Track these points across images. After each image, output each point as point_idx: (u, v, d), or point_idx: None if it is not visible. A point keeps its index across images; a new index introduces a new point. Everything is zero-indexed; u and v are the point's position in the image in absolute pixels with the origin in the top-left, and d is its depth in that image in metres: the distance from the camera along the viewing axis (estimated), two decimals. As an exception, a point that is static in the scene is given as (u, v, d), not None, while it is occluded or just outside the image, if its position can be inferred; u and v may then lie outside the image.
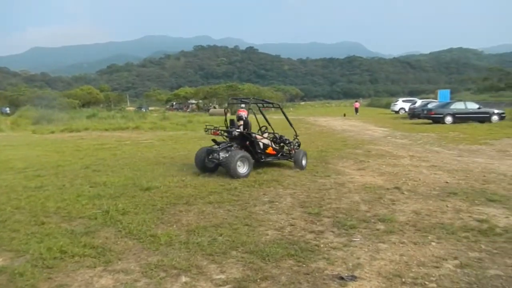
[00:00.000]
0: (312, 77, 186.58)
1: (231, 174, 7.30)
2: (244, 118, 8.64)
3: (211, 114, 43.52)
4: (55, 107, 47.49)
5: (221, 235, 4.36)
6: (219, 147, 8.01)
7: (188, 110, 62.32)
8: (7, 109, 56.41)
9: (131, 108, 64.42)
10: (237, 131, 8.21)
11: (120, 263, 3.67)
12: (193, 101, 72.61)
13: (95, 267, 3.57)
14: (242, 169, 7.49)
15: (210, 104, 66.76)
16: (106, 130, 22.92)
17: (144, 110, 56.38)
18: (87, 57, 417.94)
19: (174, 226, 4.71)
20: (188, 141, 15.17)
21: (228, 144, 8.14)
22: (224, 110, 10.88)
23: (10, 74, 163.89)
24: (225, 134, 8.44)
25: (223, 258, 3.73)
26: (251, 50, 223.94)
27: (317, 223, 4.79)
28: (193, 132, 20.59)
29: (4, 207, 5.53)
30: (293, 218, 4.99)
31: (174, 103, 74.93)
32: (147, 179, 7.23)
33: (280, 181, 7.17)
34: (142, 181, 7.04)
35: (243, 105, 10.12)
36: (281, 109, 10.27)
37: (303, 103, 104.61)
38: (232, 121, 8.84)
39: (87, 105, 64.62)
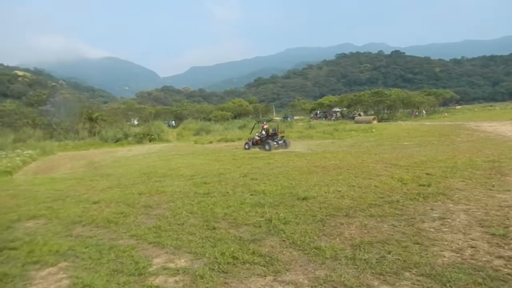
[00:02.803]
0: (468, 78, 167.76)
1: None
2: (264, 128, 19.26)
3: (357, 122, 42.47)
4: (211, 119, 52.31)
5: (389, 252, 4.04)
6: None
7: (333, 118, 62.04)
8: (173, 122, 64.27)
9: (277, 118, 67.01)
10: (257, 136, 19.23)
11: (289, 274, 3.67)
12: (337, 109, 72.01)
13: (265, 276, 3.64)
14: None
15: (355, 111, 65.32)
16: (257, 139, 24.09)
17: (289, 120, 58.10)
18: (236, 72, 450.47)
19: (337, 239, 4.55)
20: (336, 150, 14.98)
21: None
22: (254, 125, 22.65)
23: (174, 91, 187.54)
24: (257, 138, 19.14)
25: (396, 280, 3.43)
26: (396, 54, 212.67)
27: (505, 247, 4.09)
28: (340, 141, 20.31)
29: (180, 211, 6.16)
30: (472, 239, 4.36)
31: (318, 111, 75.45)
32: (303, 189, 7.25)
33: (448, 194, 6.43)
34: (298, 191, 7.08)
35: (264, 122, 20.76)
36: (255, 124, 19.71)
37: (459, 107, 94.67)
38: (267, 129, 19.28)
39: (238, 116, 69.37)
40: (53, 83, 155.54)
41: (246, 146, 19.14)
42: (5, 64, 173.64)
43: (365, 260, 3.87)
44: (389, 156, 11.48)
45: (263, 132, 18.83)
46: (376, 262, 3.80)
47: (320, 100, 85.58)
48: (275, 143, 17.97)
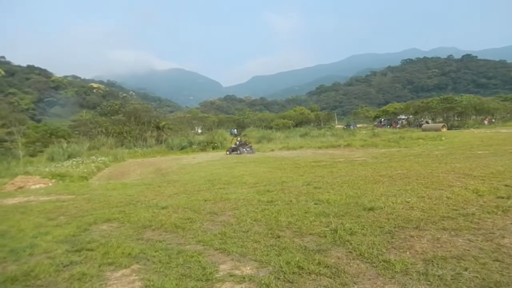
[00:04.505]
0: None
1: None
2: (238, 140, 28.73)
3: (424, 130, 40.57)
4: (273, 127, 52.60)
5: (466, 269, 3.78)
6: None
7: (398, 126, 59.81)
8: (235, 130, 65.51)
9: (340, 126, 65.96)
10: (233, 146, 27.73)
11: (356, 288, 3.56)
12: (403, 117, 69.38)
13: (332, 288, 3.56)
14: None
15: (422, 119, 62.54)
16: (319, 147, 23.94)
17: (352, 128, 56.92)
18: (297, 80, 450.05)
19: (408, 252, 4.34)
20: (403, 159, 14.37)
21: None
22: (236, 137, 30.65)
23: (236, 100, 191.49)
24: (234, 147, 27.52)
25: (475, 299, 3.20)
26: (468, 58, 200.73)
27: None
28: (406, 149, 19.51)
29: (244, 219, 6.22)
30: (562, 258, 3.98)
31: (383, 119, 73.16)
32: (369, 199, 7.02)
33: (531, 208, 5.92)
34: (364, 200, 6.87)
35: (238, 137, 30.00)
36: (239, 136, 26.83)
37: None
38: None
39: (299, 124, 69.18)
40: (124, 94, 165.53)
41: (228, 152, 27.47)
42: (82, 77, 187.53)
43: (439, 276, 3.65)
44: (462, 166, 10.80)
45: (237, 143, 28.13)
46: (452, 279, 3.58)
47: (384, 107, 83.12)
48: (244, 150, 26.74)
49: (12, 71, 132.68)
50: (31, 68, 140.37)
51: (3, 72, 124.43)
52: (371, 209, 6.26)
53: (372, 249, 4.45)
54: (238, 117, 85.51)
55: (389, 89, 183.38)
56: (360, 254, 4.33)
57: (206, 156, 26.90)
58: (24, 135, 35.67)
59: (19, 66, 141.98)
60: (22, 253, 5.18)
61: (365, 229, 5.23)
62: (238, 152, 26.35)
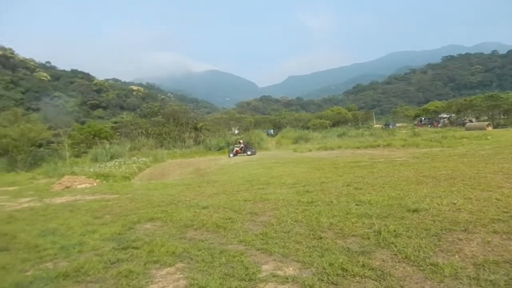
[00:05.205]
0: None
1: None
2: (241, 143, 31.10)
3: (468, 129, 38.98)
4: (309, 127, 52.26)
5: (520, 274, 3.61)
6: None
7: (439, 125, 57.81)
8: (271, 130, 65.55)
9: (378, 126, 64.61)
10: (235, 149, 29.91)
11: (404, 291, 3.47)
12: (445, 115, 66.97)
13: (378, 291, 3.49)
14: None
15: (465, 117, 60.16)
16: (358, 148, 23.52)
17: (391, 127, 55.57)
18: (334, 80, 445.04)
19: (456, 256, 4.18)
20: (447, 159, 13.85)
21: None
22: (234, 143, 33.66)
23: (272, 101, 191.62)
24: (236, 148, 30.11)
25: (532, 305, 3.04)
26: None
27: None
28: (450, 149, 18.83)
29: (285, 219, 6.21)
30: None
31: (423, 118, 70.90)
32: (413, 200, 6.82)
33: None
34: (407, 202, 6.69)
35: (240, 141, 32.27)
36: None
37: None
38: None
39: (336, 124, 68.32)
40: (163, 96, 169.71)
41: (231, 155, 28.92)
42: (123, 80, 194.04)
43: (491, 281, 3.50)
44: (511, 166, 10.30)
45: (241, 146, 30.40)
46: (505, 285, 3.43)
47: (424, 106, 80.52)
48: (249, 152, 29.62)
49: (57, 75, 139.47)
50: (75, 72, 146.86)
51: (48, 77, 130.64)
52: (415, 210, 6.08)
53: (419, 252, 4.32)
54: (275, 117, 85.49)
55: (429, 87, 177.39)
56: (406, 256, 4.22)
57: (244, 157, 27.08)
58: (70, 136, 37.20)
59: (64, 71, 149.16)
60: (72, 250, 5.41)
61: (410, 231, 5.09)
62: (249, 153, 29.41)
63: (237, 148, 30.00)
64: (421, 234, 4.95)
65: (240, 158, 25.78)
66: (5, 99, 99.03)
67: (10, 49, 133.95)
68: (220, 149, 36.38)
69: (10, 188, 15.38)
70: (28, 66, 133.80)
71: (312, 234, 5.26)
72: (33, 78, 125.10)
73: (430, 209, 6.14)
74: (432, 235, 4.89)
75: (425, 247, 4.47)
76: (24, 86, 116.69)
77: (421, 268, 3.92)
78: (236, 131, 62.76)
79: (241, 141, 32.27)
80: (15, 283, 4.24)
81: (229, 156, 28.49)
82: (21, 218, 8.35)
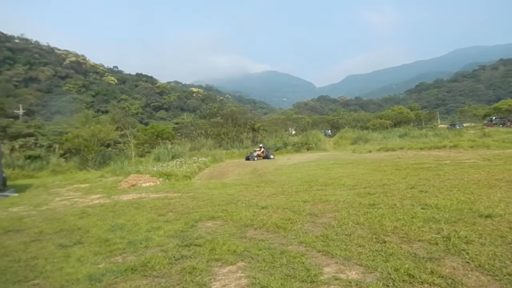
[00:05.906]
0: None
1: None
2: (262, 147, 31.59)
3: (546, 129, 35.95)
4: (369, 128, 50.86)
5: None
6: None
7: (513, 125, 53.84)
8: (329, 131, 64.64)
9: (443, 126, 61.49)
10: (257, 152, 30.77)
11: (479, 301, 3.24)
12: (519, 115, 62.28)
13: (449, 301, 3.29)
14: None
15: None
16: (421, 149, 22.54)
17: (458, 127, 52.56)
18: (395, 78, 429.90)
19: (538, 267, 3.86)
20: (523, 162, 12.87)
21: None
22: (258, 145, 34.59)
23: (330, 101, 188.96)
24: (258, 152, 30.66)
25: None
26: None
27: None
28: (526, 151, 17.47)
29: (346, 222, 6.06)
30: None
31: (494, 117, 66.38)
32: (485, 205, 6.40)
33: None
34: (479, 207, 6.28)
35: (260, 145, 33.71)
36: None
37: None
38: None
39: (397, 124, 65.83)
40: (221, 97, 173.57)
41: (254, 158, 29.45)
42: (183, 82, 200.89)
43: None
44: None
45: (262, 149, 31.09)
46: None
47: (496, 105, 75.46)
48: (271, 156, 30.42)
49: (123, 79, 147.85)
50: (139, 76, 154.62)
51: (116, 81, 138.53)
52: (488, 216, 5.69)
53: (494, 260, 4.03)
54: (332, 117, 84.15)
55: (501, 84, 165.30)
56: (479, 265, 3.95)
57: (301, 157, 26.90)
58: (135, 137, 39.00)
59: (129, 74, 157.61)
60: (139, 245, 5.65)
61: (483, 238, 4.76)
62: (272, 157, 30.19)
63: (259, 152, 30.72)
64: (496, 241, 4.62)
65: (298, 158, 25.63)
66: (77, 102, 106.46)
67: (82, 55, 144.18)
68: (277, 149, 36.42)
69: (82, 185, 16.39)
70: (98, 71, 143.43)
71: (375, 238, 5.09)
72: (102, 82, 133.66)
73: (505, 214, 5.72)
74: (509, 243, 4.54)
75: (501, 255, 4.16)
76: (94, 89, 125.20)
77: (497, 278, 3.66)
78: (293, 132, 62.44)
79: (261, 145, 33.23)
80: (88, 275, 4.50)
81: (248, 160, 29.34)
82: (93, 213, 8.86)
